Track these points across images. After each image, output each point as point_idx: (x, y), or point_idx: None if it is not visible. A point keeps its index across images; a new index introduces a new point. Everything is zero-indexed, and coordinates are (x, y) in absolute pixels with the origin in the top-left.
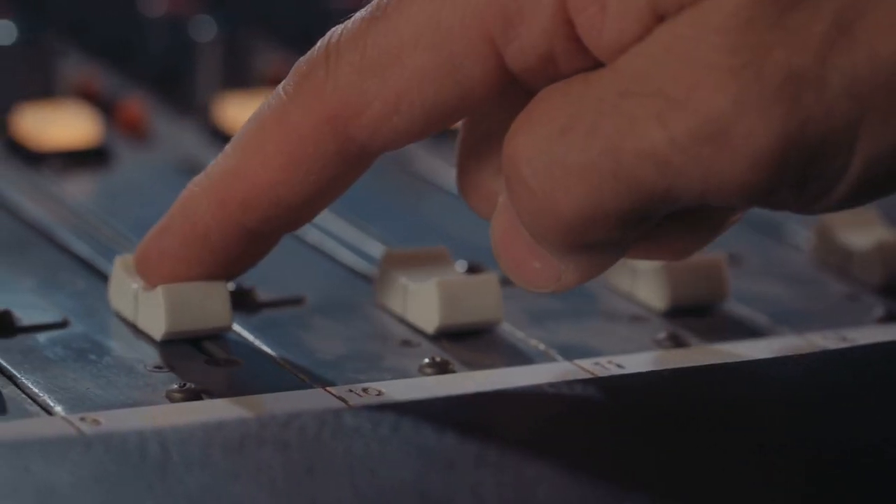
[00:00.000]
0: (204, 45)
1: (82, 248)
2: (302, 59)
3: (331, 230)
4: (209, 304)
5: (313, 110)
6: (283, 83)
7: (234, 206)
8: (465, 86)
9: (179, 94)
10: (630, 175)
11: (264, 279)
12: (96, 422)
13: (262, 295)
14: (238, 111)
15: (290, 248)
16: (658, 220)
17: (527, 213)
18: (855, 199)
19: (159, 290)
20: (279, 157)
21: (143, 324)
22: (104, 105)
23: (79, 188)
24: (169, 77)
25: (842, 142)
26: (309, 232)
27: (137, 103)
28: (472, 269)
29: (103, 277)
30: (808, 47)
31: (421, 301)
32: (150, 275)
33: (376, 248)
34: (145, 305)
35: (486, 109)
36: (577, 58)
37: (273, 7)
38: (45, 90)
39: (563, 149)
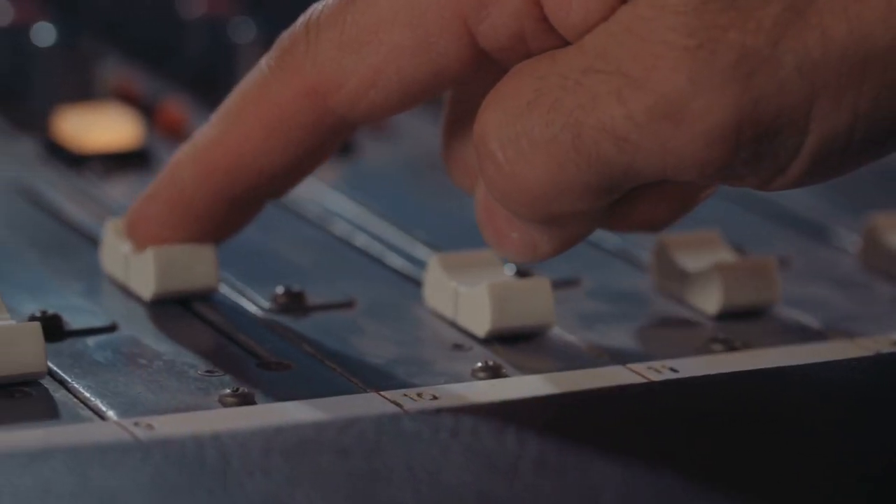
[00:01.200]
0: (243, 46)
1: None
2: (284, 33)
3: (378, 234)
4: (197, 265)
5: (293, 84)
6: (265, 57)
7: (217, 174)
8: (439, 63)
9: (218, 96)
10: (591, 150)
11: (313, 282)
12: (150, 427)
13: (312, 298)
14: None
15: (339, 252)
16: (624, 192)
17: (495, 185)
18: (811, 177)
19: (149, 252)
20: (260, 127)
21: (133, 285)
22: (144, 107)
23: (120, 190)
24: (207, 79)
25: (795, 120)
26: (356, 236)
27: (178, 105)
28: (521, 273)
29: None
30: (761, 29)
31: (472, 305)
32: (140, 238)
33: (422, 252)
34: (136, 267)
35: (470, 88)
36: (545, 37)
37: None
38: (84, 92)
39: (529, 123)
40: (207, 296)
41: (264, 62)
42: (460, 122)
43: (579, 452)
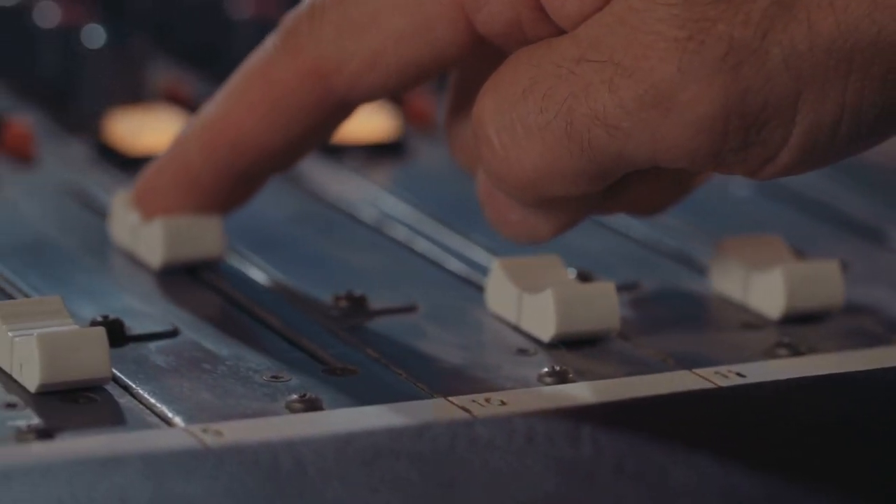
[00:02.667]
0: None
1: None
2: (289, 14)
3: (435, 237)
4: (204, 235)
5: (296, 64)
6: (270, 36)
7: (221, 150)
8: (437, 47)
9: None
10: (583, 136)
11: (374, 287)
12: (219, 433)
13: (374, 303)
14: None
15: (397, 256)
16: (617, 178)
17: (491, 169)
18: (799, 166)
19: (157, 222)
20: (263, 105)
21: (142, 254)
22: (193, 109)
23: None
24: None
25: (782, 111)
26: (414, 239)
27: None
28: (581, 276)
29: (210, 285)
30: (749, 22)
31: (536, 309)
32: (148, 209)
33: (480, 255)
34: (144, 237)
35: (471, 70)
36: (541, 25)
37: None
38: (134, 94)
39: (524, 110)
40: (215, 266)
41: (269, 42)
42: (462, 103)
43: (656, 458)
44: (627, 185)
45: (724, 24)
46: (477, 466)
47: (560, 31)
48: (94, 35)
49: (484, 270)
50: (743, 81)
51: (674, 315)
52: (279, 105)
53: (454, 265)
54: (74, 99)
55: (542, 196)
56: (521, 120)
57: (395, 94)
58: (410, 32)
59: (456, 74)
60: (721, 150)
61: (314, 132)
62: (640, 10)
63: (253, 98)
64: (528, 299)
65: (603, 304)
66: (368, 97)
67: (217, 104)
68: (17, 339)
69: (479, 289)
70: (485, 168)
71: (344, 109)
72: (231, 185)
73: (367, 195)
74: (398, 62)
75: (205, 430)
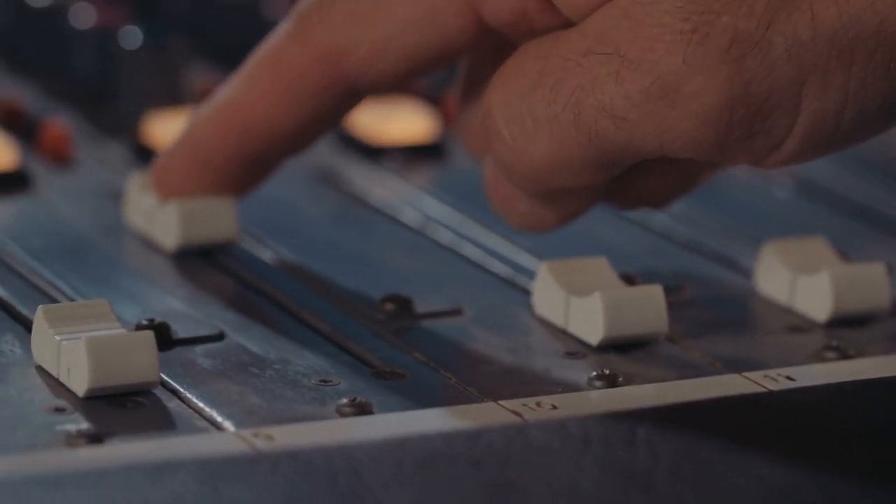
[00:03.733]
0: None
1: (228, 260)
2: (301, 2)
3: (478, 240)
4: (218, 218)
5: (307, 49)
6: (282, 23)
7: (233, 133)
8: (445, 36)
9: None
10: (591, 128)
11: (419, 290)
12: (270, 437)
13: (420, 306)
14: (368, 118)
15: (441, 259)
16: (624, 169)
17: (500, 160)
18: (804, 154)
19: (172, 205)
20: (275, 90)
21: (157, 236)
22: None
23: None
24: None
25: (786, 101)
26: (458, 242)
27: None
28: (626, 279)
29: (254, 289)
30: (753, 13)
31: (584, 313)
32: (163, 190)
33: (524, 258)
34: (159, 220)
35: (481, 60)
36: (549, 15)
37: None
38: (172, 96)
39: (532, 103)
40: (228, 249)
41: (282, 28)
42: (472, 92)
43: (712, 462)
44: (635, 176)
45: (728, 16)
46: (533, 471)
47: (567, 22)
48: (132, 36)
49: (528, 273)
50: (747, 72)
51: (720, 318)
52: (290, 90)
53: (498, 267)
54: (111, 100)
55: (550, 186)
56: (530, 112)
57: (402, 81)
58: (418, 21)
59: (466, 63)
60: (727, 139)
61: (325, 117)
62: (646, 4)
63: (264, 84)
64: (576, 302)
65: (651, 308)
66: (379, 83)
67: (230, 88)
68: (64, 343)
69: (524, 291)
70: (494, 159)
71: (355, 95)
72: (244, 168)
73: (407, 197)
74: (406, 50)
75: (256, 435)
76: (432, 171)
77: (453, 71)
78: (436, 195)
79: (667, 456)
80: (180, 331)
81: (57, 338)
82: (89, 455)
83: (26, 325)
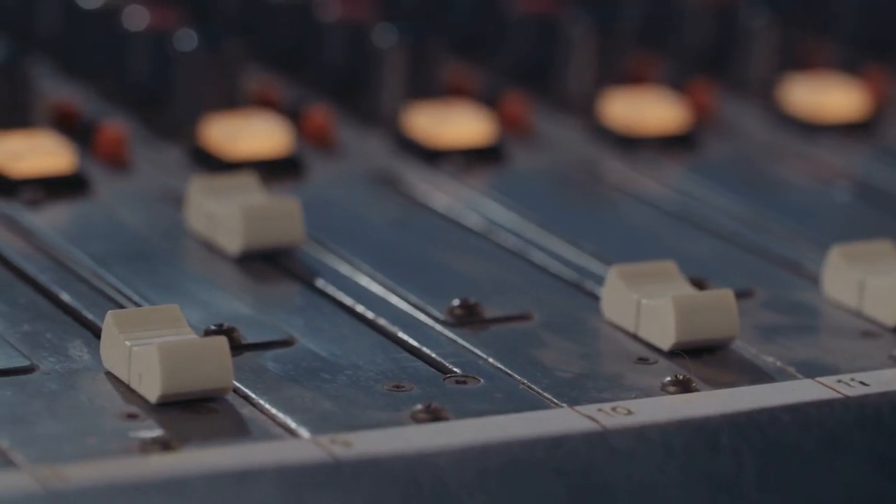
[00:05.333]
0: (386, 51)
1: (292, 263)
2: None
3: (542, 244)
4: (283, 221)
5: None
6: None
7: None
8: None
9: (360, 103)
10: None
11: (486, 295)
12: (347, 444)
13: (489, 311)
14: (426, 121)
15: (505, 263)
16: None
17: None
18: None
19: (236, 209)
20: None
21: (220, 241)
22: (286, 114)
23: None
24: (348, 85)
25: None
26: (521, 246)
27: (323, 112)
28: (696, 283)
29: (322, 293)
30: None
31: (656, 317)
32: None
33: (589, 262)
34: (222, 224)
35: None
36: None
37: (449, 15)
38: (227, 98)
39: None
40: (291, 253)
41: None
42: None
43: (797, 468)
44: None
45: None
46: (617, 478)
47: None
48: (187, 39)
49: (594, 277)
50: None
51: (789, 322)
52: None
53: (563, 271)
54: (166, 103)
55: None
56: None
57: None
58: None
59: None
60: None
61: None
62: None
63: None
64: (647, 307)
65: (723, 312)
66: None
67: None
68: (135, 348)
69: (592, 296)
70: None
71: None
72: None
73: (467, 200)
74: None
75: (333, 441)
76: (491, 173)
77: (509, 73)
78: (496, 198)
79: (752, 463)
80: (249, 336)
81: (127, 343)
82: (167, 462)
83: (93, 331)
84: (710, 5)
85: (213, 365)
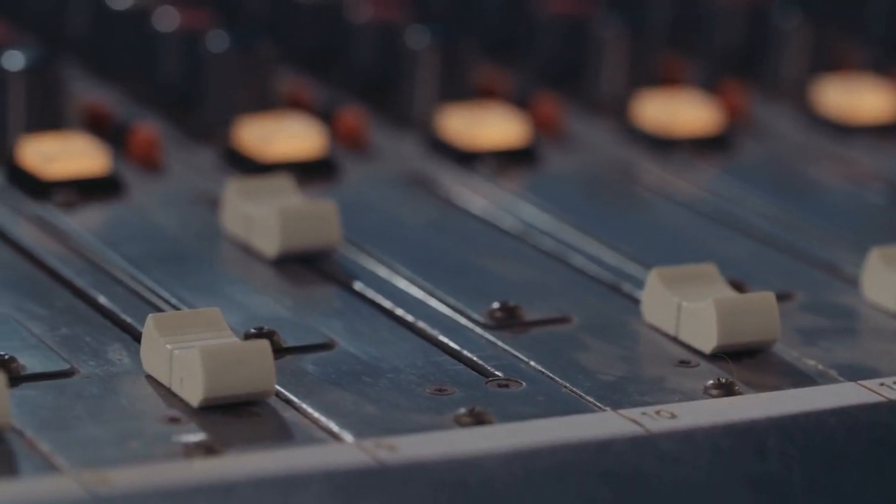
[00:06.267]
0: (418, 52)
1: (330, 266)
2: None
3: (579, 246)
4: (320, 223)
5: None
6: None
7: None
8: None
9: (392, 104)
10: None
11: (524, 297)
12: (392, 448)
13: (528, 314)
14: (459, 123)
15: (543, 265)
16: None
17: None
18: None
19: (273, 211)
20: None
21: (256, 244)
22: (319, 115)
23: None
24: (380, 87)
25: None
26: (558, 248)
27: (356, 114)
28: (735, 286)
29: (360, 296)
30: None
31: (697, 320)
32: None
33: (626, 265)
34: (259, 226)
35: None
36: None
37: (479, 17)
38: (260, 100)
39: None
40: (328, 255)
41: None
42: None
43: (846, 472)
44: None
45: None
46: (666, 482)
47: None
48: (218, 40)
49: (633, 280)
50: None
51: (829, 325)
52: None
53: (601, 274)
54: (198, 105)
55: None
56: None
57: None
58: None
59: None
60: None
61: None
62: None
63: None
64: (688, 310)
65: (764, 315)
66: None
67: None
68: (176, 352)
69: (630, 299)
70: None
71: None
72: None
73: (502, 202)
74: None
75: (377, 445)
76: (525, 175)
77: (540, 75)
78: (531, 200)
79: (801, 467)
80: (289, 339)
81: (168, 347)
82: (213, 467)
83: (132, 334)
84: (740, 6)
85: (255, 368)
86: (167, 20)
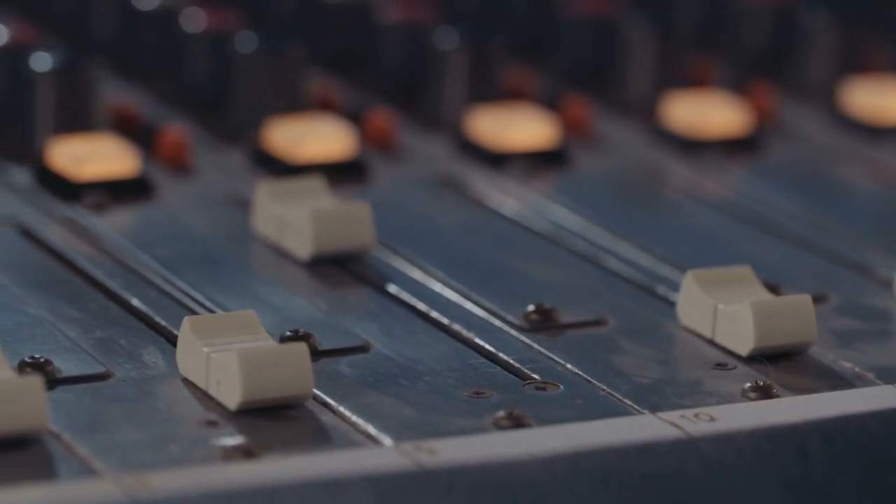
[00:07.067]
0: (448, 55)
1: (363, 268)
2: None
3: (613, 249)
4: (353, 225)
5: None
6: None
7: None
8: None
9: (421, 106)
10: None
11: (560, 300)
12: (432, 451)
13: (564, 316)
14: (488, 125)
15: (579, 269)
16: None
17: None
18: None
19: (305, 212)
20: None
21: (288, 246)
22: (348, 117)
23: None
24: (408, 88)
25: None
26: (594, 252)
27: (385, 115)
28: (770, 288)
29: (395, 298)
30: None
31: (734, 323)
32: None
33: (659, 267)
34: (291, 228)
35: None
36: None
37: (505, 17)
38: (289, 102)
39: None
40: (361, 257)
41: None
42: None
43: (889, 475)
44: None
45: None
46: (709, 486)
47: None
48: (247, 41)
49: (665, 281)
50: None
51: (865, 327)
52: None
53: (634, 276)
54: (227, 107)
55: None
56: None
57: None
58: None
59: None
60: None
61: None
62: None
63: None
64: (724, 312)
65: (800, 317)
66: None
67: None
68: (213, 355)
69: (665, 301)
70: None
71: None
72: None
73: (533, 204)
74: None
75: (417, 449)
76: (555, 177)
77: (567, 76)
78: (562, 202)
79: (845, 470)
80: (324, 342)
81: (205, 350)
82: (254, 471)
83: (167, 337)
84: (768, 6)
85: (293, 371)
86: (194, 21)
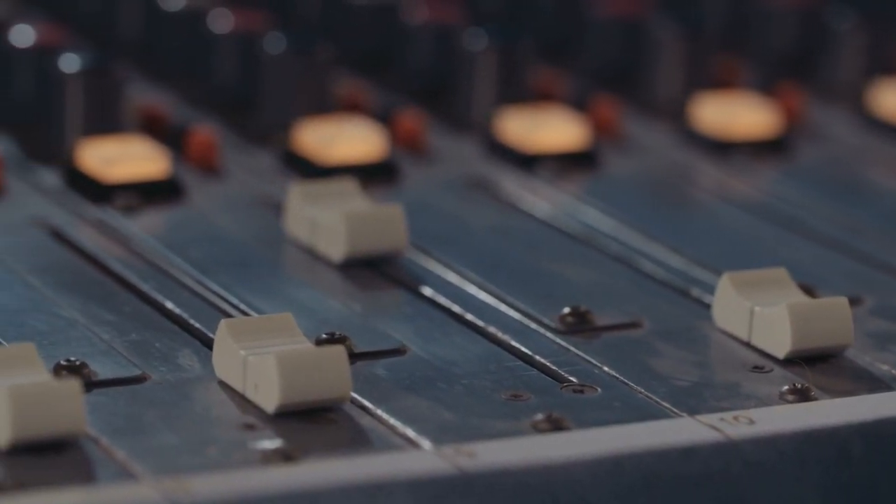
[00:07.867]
0: (477, 55)
1: (396, 270)
2: None
3: (647, 252)
4: (386, 227)
5: None
6: None
7: None
8: None
9: (450, 107)
10: None
11: (595, 302)
12: (471, 454)
13: (599, 319)
14: (518, 126)
15: (612, 271)
16: None
17: None
18: None
19: (339, 215)
20: None
21: (321, 248)
22: (377, 118)
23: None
24: (436, 89)
25: None
26: (627, 254)
27: (414, 117)
28: (806, 290)
29: (429, 301)
30: None
31: (770, 325)
32: None
33: (693, 269)
34: (324, 230)
35: None
36: None
37: (533, 18)
38: (319, 103)
39: None
40: (394, 260)
41: None
42: None
43: None
44: None
45: None
46: (753, 490)
47: None
48: (275, 42)
49: (699, 284)
50: None
51: None
52: None
53: (668, 278)
54: (255, 108)
55: None
56: None
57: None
58: None
59: None
60: None
61: None
62: None
63: None
64: (761, 315)
65: (837, 319)
66: None
67: None
68: (250, 357)
69: (700, 303)
70: None
71: None
72: None
73: (565, 206)
74: None
75: (457, 452)
76: (585, 179)
77: (595, 77)
78: (593, 204)
79: (887, 473)
80: (360, 344)
81: (242, 353)
82: (294, 474)
83: (202, 339)
84: (795, 7)
85: (331, 374)
86: (222, 22)
